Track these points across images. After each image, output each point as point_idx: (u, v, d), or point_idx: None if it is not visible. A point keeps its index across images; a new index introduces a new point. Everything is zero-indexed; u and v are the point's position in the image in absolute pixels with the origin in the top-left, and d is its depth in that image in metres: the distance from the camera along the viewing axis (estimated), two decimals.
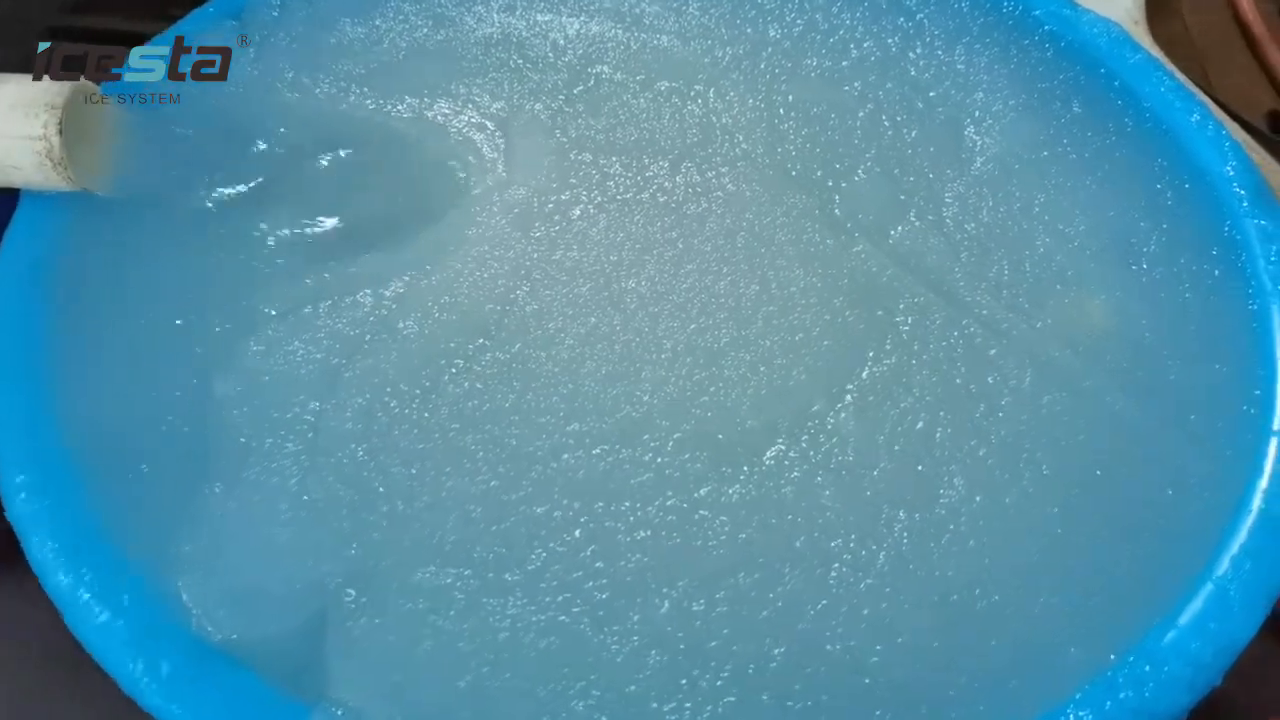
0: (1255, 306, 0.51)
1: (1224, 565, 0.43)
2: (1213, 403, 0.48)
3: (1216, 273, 0.53)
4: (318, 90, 0.58)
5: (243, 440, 0.45)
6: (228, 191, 0.53)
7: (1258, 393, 0.49)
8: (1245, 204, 0.55)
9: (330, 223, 0.53)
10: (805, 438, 0.46)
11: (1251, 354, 0.50)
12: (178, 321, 0.48)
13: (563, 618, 0.41)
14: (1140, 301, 0.52)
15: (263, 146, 0.55)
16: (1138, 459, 0.47)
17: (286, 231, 0.52)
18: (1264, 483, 0.46)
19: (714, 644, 0.41)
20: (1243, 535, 0.44)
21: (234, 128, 0.55)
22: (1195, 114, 0.59)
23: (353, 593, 0.42)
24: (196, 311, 0.49)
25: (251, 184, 0.54)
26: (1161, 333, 0.51)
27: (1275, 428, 0.47)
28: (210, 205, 0.53)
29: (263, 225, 0.52)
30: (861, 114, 0.59)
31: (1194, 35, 0.93)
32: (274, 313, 0.49)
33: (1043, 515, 0.44)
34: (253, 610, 0.41)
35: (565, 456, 0.45)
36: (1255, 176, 0.56)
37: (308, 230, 0.52)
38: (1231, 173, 0.56)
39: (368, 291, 0.50)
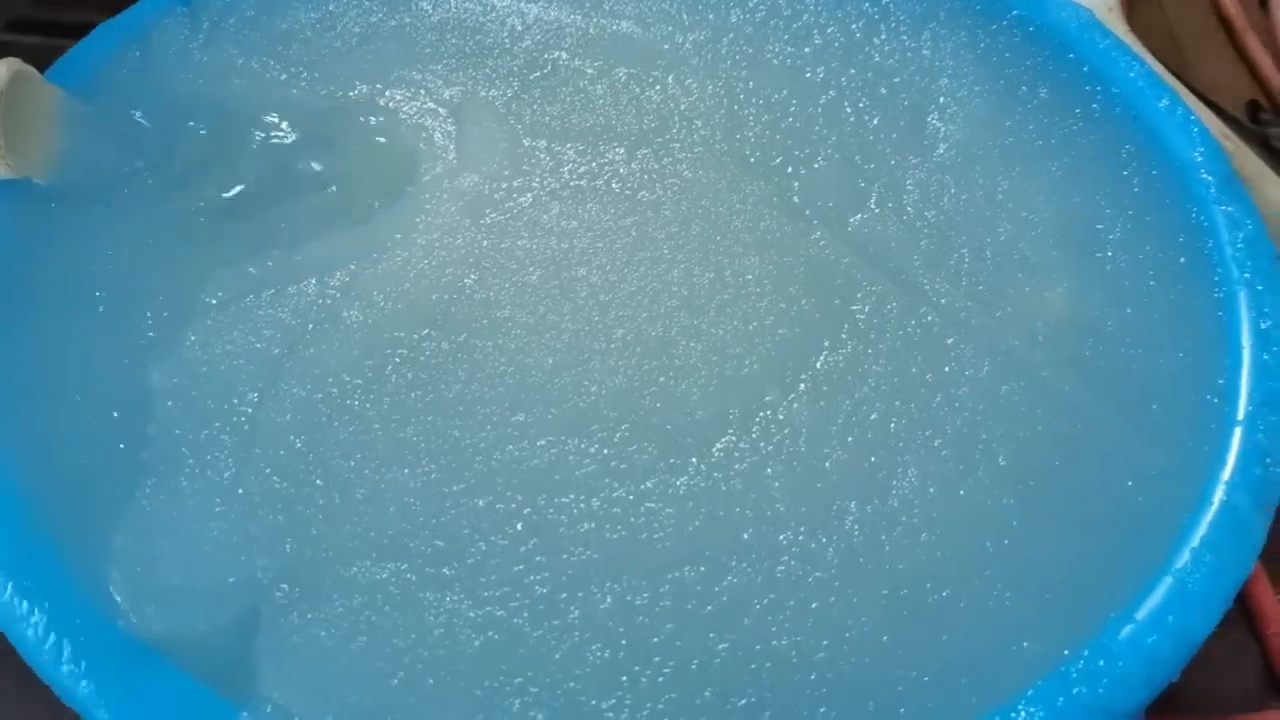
0: (1221, 294, 0.50)
1: (1184, 558, 0.42)
2: (1175, 392, 0.47)
3: (1182, 260, 0.52)
4: (268, 76, 0.57)
5: (178, 432, 0.44)
6: (172, 179, 0.52)
7: (1221, 381, 0.47)
8: (1213, 190, 0.54)
9: (277, 210, 0.52)
10: (756, 428, 0.45)
11: (1217, 342, 0.49)
12: (115, 311, 0.47)
13: (501, 613, 0.40)
14: (1103, 290, 0.51)
15: (210, 134, 0.54)
16: (1097, 450, 0.45)
17: (231, 219, 0.51)
18: (1226, 474, 0.44)
19: (656, 639, 0.40)
20: (1204, 528, 0.43)
21: (181, 115, 0.54)
22: (1164, 100, 0.58)
23: (286, 588, 0.40)
24: (136, 301, 0.48)
25: (197, 172, 0.53)
26: (1124, 321, 0.50)
27: (1239, 417, 0.46)
28: (154, 193, 0.52)
29: (207, 213, 0.51)
30: (823, 100, 0.58)
31: (1172, 23, 0.92)
32: (214, 302, 0.48)
33: (998, 507, 0.43)
34: (183, 606, 0.40)
35: (509, 448, 0.44)
36: (1223, 163, 0.55)
37: (253, 218, 0.51)
38: (1200, 159, 0.55)
39: (312, 280, 0.49)
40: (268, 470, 0.43)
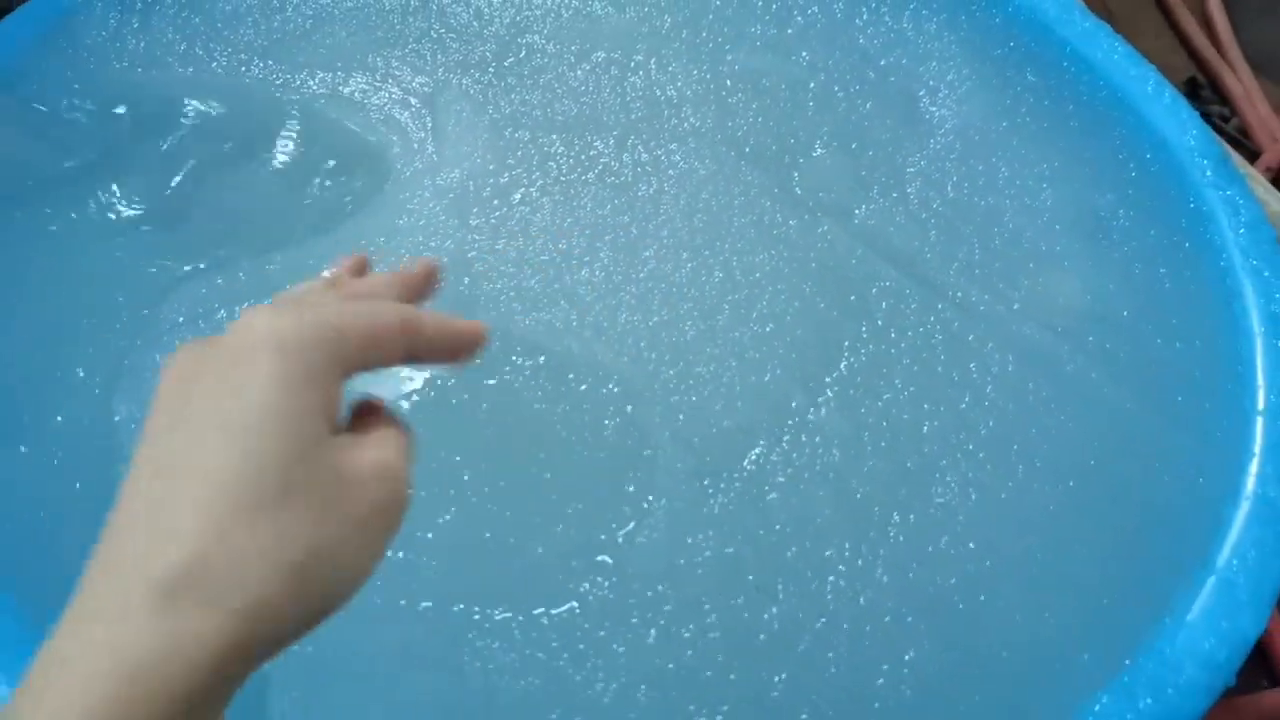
0: (1229, 282, 0.50)
1: (1227, 556, 0.41)
2: (1195, 382, 0.46)
3: (1187, 245, 0.51)
4: (214, 64, 0.51)
5: None
6: (113, 181, 0.47)
7: (1239, 369, 0.47)
8: (1208, 174, 0.53)
9: (240, 213, 0.47)
10: (787, 438, 0.42)
11: (1229, 330, 0.48)
12: (66, 335, 0.42)
13: (541, 656, 0.36)
14: (1114, 278, 0.50)
15: (153, 130, 0.48)
16: (1128, 445, 0.44)
17: (187, 225, 0.46)
18: (1254, 466, 0.44)
19: (709, 673, 0.37)
20: (1242, 523, 0.42)
21: (118, 109, 0.49)
22: (1150, 83, 0.58)
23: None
24: (88, 322, 0.43)
25: (141, 174, 0.47)
26: (1139, 309, 0.48)
27: (1260, 407, 0.46)
28: (93, 197, 0.46)
29: (158, 218, 0.46)
30: (813, 85, 0.56)
31: (1110, 4, 0.92)
32: (181, 319, 0.43)
33: (1041, 510, 0.42)
34: None
35: (523, 480, 0.41)
36: (1216, 146, 0.55)
37: (214, 223, 0.46)
38: (1193, 143, 0.54)
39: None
40: None
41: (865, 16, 0.59)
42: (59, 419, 0.40)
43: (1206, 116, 0.82)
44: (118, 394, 0.40)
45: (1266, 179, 0.71)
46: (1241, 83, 0.83)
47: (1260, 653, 0.51)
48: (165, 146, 0.47)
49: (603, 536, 0.39)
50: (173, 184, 0.47)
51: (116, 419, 0.40)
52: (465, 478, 0.40)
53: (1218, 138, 0.56)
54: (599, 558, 0.39)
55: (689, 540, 0.39)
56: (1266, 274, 0.49)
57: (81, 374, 0.41)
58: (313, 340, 0.21)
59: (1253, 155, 0.76)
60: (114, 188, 0.46)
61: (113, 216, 0.45)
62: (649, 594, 0.38)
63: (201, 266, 0.44)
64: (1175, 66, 0.89)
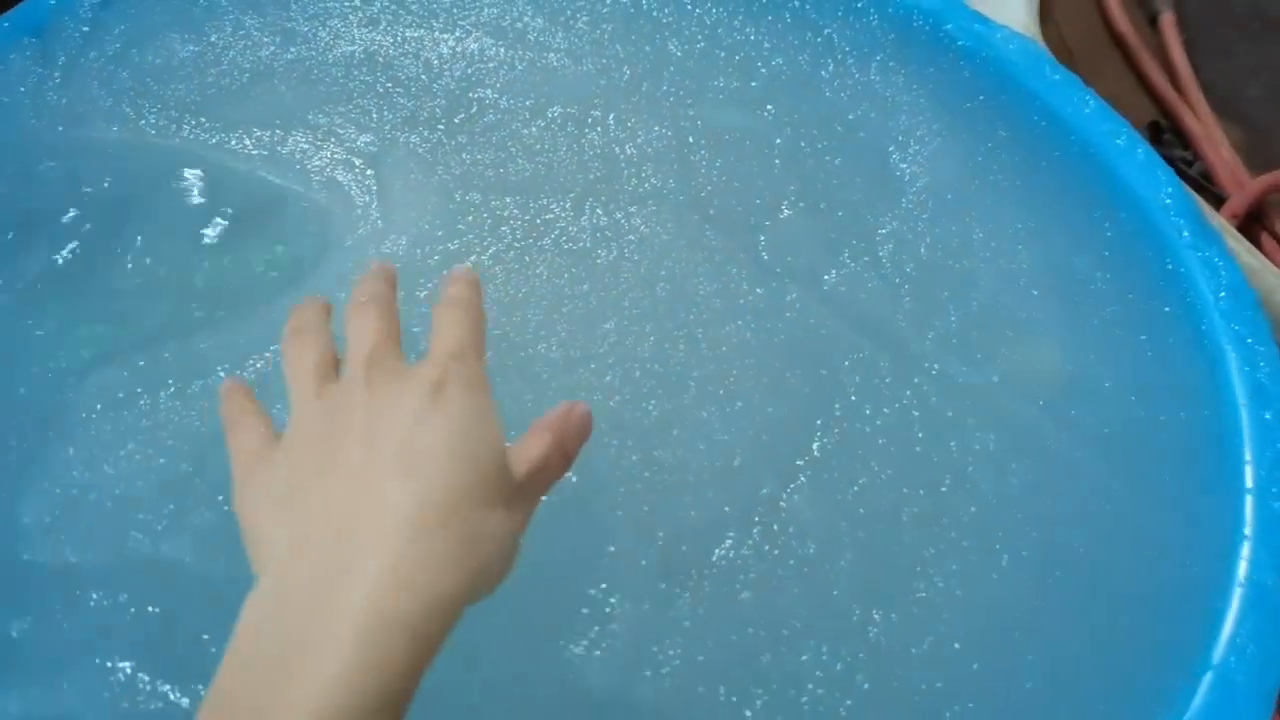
0: (1210, 349, 0.48)
1: (1224, 650, 0.39)
2: (1181, 456, 0.44)
3: (1166, 309, 0.49)
4: (143, 122, 0.48)
5: (62, 592, 0.35)
6: (27, 255, 0.43)
7: (1224, 444, 0.45)
8: (1185, 235, 0.51)
9: (165, 286, 0.43)
10: (758, 529, 0.40)
11: (1212, 401, 0.46)
12: None
13: None
14: (1095, 346, 0.47)
15: (72, 192, 0.45)
16: (1115, 529, 0.42)
17: (107, 298, 0.42)
18: (1246, 549, 0.42)
19: None
20: (1236, 613, 0.40)
21: (35, 170, 0.45)
22: (1122, 137, 0.56)
23: None
24: None
25: (58, 241, 0.44)
26: (1121, 380, 0.46)
27: (1248, 485, 0.44)
28: (5, 271, 0.43)
29: (75, 292, 0.43)
30: (779, 140, 0.53)
31: (1070, 44, 0.91)
32: (99, 406, 0.39)
33: (1028, 606, 0.39)
34: None
35: None
36: (1191, 204, 0.53)
37: (136, 296, 0.43)
38: (1168, 201, 0.53)
39: (221, 371, 0.41)
40: (189, 623, 0.35)
41: (831, 69, 0.57)
42: None
43: (1170, 161, 0.81)
44: (24, 497, 0.37)
45: (1233, 225, 0.70)
46: (1202, 123, 0.82)
47: None
48: (83, 214, 0.44)
49: (563, 643, 0.36)
50: (92, 254, 0.43)
51: (25, 521, 0.36)
52: None
53: (1190, 190, 0.54)
54: (560, 672, 0.35)
55: (654, 649, 0.36)
56: (1249, 340, 0.48)
57: None
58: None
59: (1217, 199, 0.74)
60: (23, 260, 0.42)
61: (22, 291, 0.42)
62: (615, 711, 0.35)
63: (121, 347, 0.41)
64: (1137, 108, 0.88)
